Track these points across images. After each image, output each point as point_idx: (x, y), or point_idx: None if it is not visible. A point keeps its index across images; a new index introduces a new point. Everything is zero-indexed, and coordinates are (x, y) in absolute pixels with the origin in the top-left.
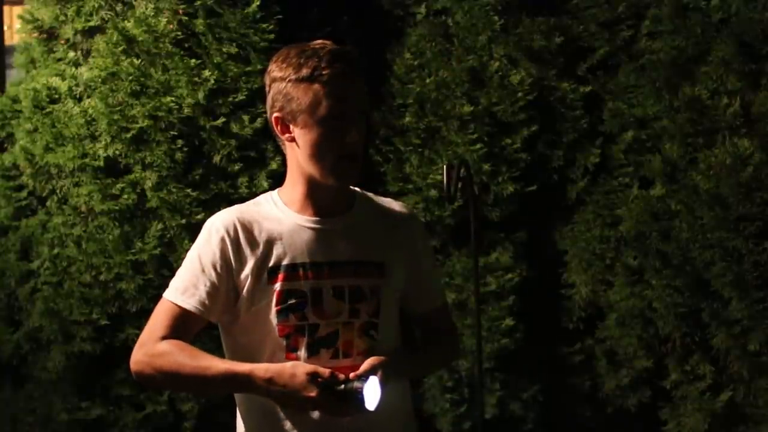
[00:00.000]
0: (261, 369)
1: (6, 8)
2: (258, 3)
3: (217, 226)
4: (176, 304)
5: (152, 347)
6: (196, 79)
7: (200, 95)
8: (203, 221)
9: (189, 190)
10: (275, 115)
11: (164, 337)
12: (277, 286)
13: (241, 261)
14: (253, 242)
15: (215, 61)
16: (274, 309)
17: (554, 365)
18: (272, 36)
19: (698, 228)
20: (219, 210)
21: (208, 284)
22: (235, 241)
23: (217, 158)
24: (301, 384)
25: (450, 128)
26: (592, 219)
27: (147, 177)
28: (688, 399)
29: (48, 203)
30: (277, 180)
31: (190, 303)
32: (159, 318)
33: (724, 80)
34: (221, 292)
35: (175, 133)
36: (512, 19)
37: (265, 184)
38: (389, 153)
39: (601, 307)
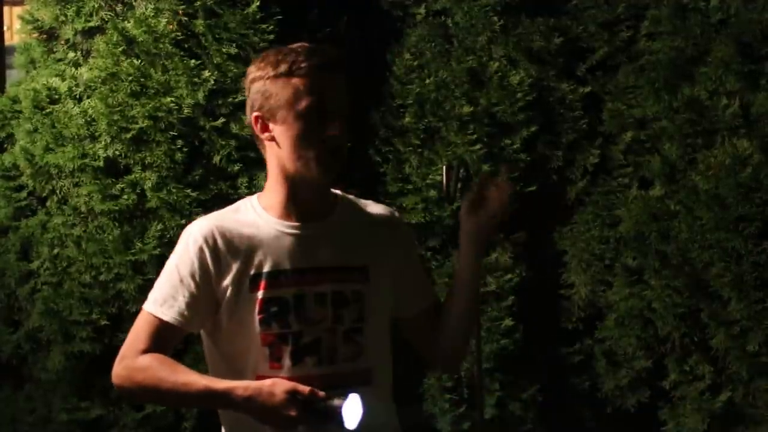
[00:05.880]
0: (240, 387)
1: (6, 8)
2: (258, 3)
3: (195, 235)
4: (156, 316)
5: (132, 361)
6: (196, 79)
7: (200, 96)
8: None
9: (189, 191)
10: (255, 114)
11: (145, 351)
12: (259, 294)
13: (221, 270)
14: (232, 250)
15: (215, 62)
16: (256, 317)
17: (553, 365)
18: (272, 36)
19: (697, 228)
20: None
21: (187, 295)
22: (214, 250)
23: (216, 159)
24: (280, 402)
25: (449, 129)
26: (591, 219)
27: (147, 177)
28: (687, 399)
29: (48, 203)
30: None
31: (169, 314)
32: (139, 331)
33: (724, 81)
34: (201, 302)
35: (175, 134)
36: (512, 20)
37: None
38: (389, 153)
39: (600, 308)
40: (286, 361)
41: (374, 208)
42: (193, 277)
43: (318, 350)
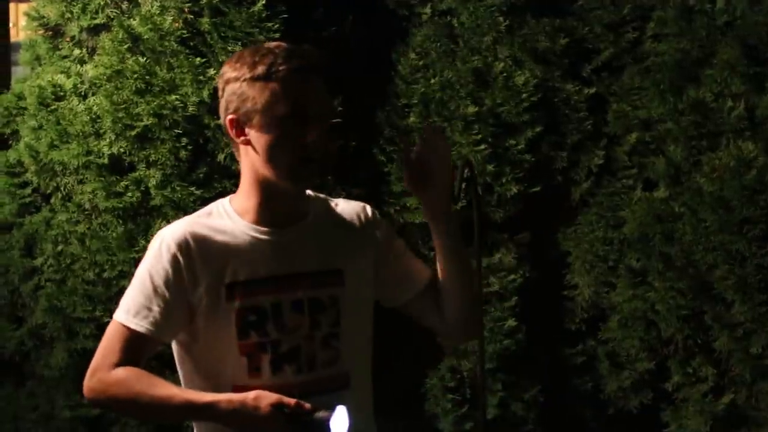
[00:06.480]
0: (223, 401)
1: (12, 5)
2: (263, 2)
3: (167, 242)
4: (129, 327)
5: (106, 375)
6: (201, 77)
7: (205, 93)
8: None
9: (193, 189)
10: (230, 117)
11: (118, 363)
12: (236, 303)
13: (195, 279)
14: (207, 258)
15: (220, 60)
16: (234, 327)
17: (556, 366)
18: (277, 35)
19: (702, 230)
20: None
21: (161, 305)
22: (188, 258)
23: (221, 157)
24: (265, 416)
25: (454, 129)
26: (595, 220)
27: (151, 175)
28: (690, 401)
29: (52, 200)
30: None
31: (143, 325)
32: (111, 342)
33: (729, 83)
34: (175, 312)
35: (180, 132)
36: (517, 20)
37: None
38: (393, 153)
39: (603, 309)
40: (265, 371)
41: (345, 206)
42: (167, 285)
43: (297, 358)
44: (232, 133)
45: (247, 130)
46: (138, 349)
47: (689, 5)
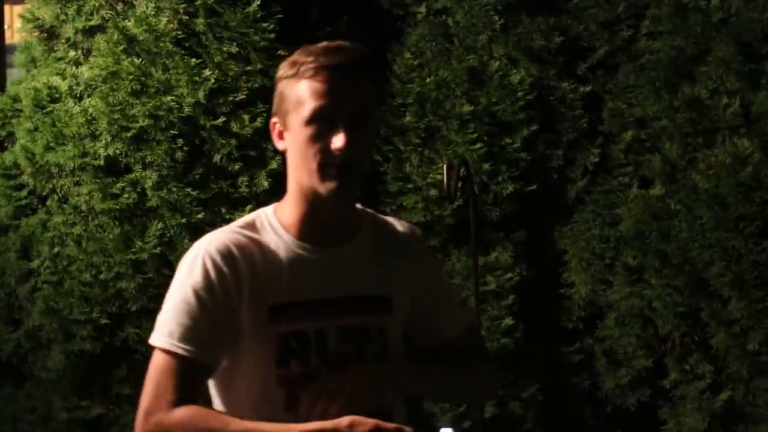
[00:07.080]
0: (314, 430)
1: (7, 7)
2: (258, 2)
3: (211, 254)
4: (177, 354)
5: (165, 417)
6: (197, 78)
7: (200, 94)
8: (203, 221)
9: (189, 190)
10: (272, 120)
11: (175, 401)
12: (279, 328)
13: (241, 295)
14: (252, 275)
15: (216, 61)
16: (273, 354)
17: (554, 364)
18: (272, 35)
19: (698, 227)
20: (219, 209)
21: (210, 324)
22: (235, 272)
23: (217, 158)
24: None
25: (450, 128)
26: (591, 218)
27: (147, 176)
28: (688, 398)
29: (48, 202)
30: (277, 180)
31: (193, 350)
32: (161, 377)
33: (724, 80)
34: (224, 332)
35: (176, 133)
36: (512, 19)
37: (265, 184)
38: (389, 152)
39: (600, 307)
40: (304, 403)
41: (397, 227)
42: (214, 302)
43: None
44: (274, 137)
45: (285, 133)
46: (192, 379)
47: (684, 2)
